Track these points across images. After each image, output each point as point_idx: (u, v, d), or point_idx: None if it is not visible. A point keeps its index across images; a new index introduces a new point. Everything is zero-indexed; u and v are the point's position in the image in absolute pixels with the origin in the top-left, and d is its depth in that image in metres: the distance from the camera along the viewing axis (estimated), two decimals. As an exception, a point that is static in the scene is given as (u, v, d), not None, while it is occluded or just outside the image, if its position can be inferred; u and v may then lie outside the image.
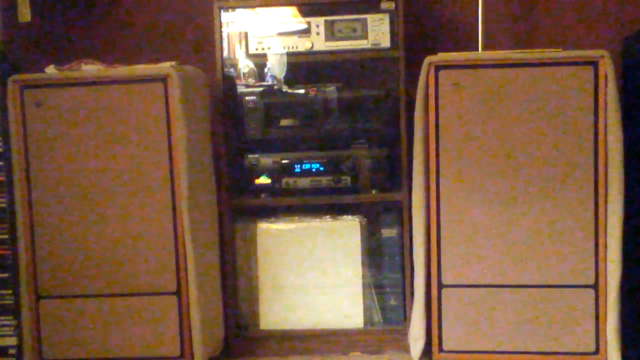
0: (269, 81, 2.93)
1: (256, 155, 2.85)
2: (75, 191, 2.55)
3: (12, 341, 2.60)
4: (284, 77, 2.89)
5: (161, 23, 3.15)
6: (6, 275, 2.59)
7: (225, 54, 2.85)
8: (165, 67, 2.56)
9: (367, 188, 2.84)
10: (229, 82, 2.89)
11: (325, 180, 2.83)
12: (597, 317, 2.48)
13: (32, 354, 2.59)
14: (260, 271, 2.87)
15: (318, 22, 2.84)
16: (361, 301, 2.85)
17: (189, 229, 2.52)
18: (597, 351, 2.49)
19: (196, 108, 2.67)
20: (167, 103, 2.52)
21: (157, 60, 2.71)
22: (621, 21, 2.95)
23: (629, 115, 2.60)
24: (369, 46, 2.83)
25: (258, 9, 2.88)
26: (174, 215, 2.54)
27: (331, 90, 2.86)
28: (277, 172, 2.84)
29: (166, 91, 2.52)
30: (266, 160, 2.85)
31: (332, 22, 2.84)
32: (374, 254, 2.89)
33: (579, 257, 2.48)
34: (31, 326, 2.58)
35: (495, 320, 2.52)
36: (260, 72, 2.95)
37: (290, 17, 2.85)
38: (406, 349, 2.76)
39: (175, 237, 2.55)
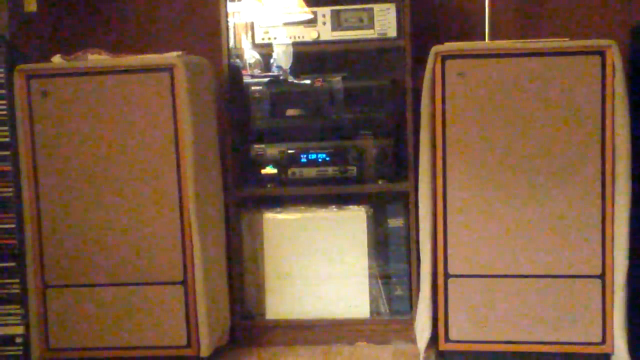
0: (275, 71, 2.92)
1: (262, 146, 2.85)
2: (81, 180, 2.56)
3: (19, 330, 2.61)
4: (290, 67, 2.89)
5: (167, 13, 3.14)
6: (13, 264, 2.60)
7: (231, 44, 2.85)
8: (172, 56, 2.56)
9: (373, 178, 2.83)
10: (235, 72, 2.89)
11: (331, 171, 2.83)
12: (603, 308, 2.48)
13: (39, 343, 2.60)
14: (267, 261, 2.88)
15: (324, 12, 2.84)
16: (367, 291, 2.85)
17: (195, 218, 2.53)
18: (603, 341, 2.49)
19: (202, 98, 2.66)
20: (173, 93, 2.52)
21: (164, 50, 2.71)
22: (629, 10, 2.94)
23: (636, 104, 2.58)
24: (375, 36, 2.82)
25: (264, -1, 2.88)
26: (181, 205, 2.54)
27: (337, 80, 2.86)
28: (283, 162, 2.84)
29: (172, 81, 2.52)
30: (272, 150, 2.84)
31: (339, 11, 2.84)
32: (380, 244, 2.89)
33: (585, 248, 2.47)
34: (38, 315, 2.59)
35: (501, 310, 2.52)
36: (266, 62, 2.95)
37: (296, 7, 2.85)
38: (412, 339, 2.76)
39: (182, 226, 2.55)
